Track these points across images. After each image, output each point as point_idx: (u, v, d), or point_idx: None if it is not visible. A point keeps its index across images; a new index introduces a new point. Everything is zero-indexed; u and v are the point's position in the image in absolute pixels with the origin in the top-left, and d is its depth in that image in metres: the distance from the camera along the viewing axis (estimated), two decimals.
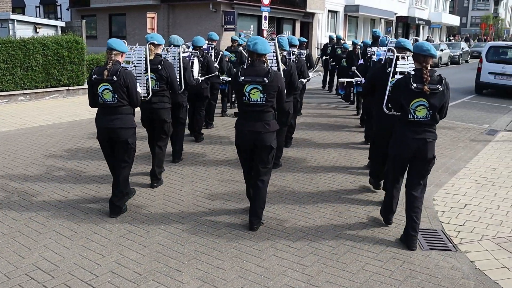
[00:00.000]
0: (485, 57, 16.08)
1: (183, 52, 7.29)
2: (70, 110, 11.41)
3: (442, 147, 8.33)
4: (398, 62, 5.11)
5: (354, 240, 4.57)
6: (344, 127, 10.15)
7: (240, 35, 14.35)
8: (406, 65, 5.03)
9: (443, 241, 4.59)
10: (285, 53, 6.39)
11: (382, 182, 5.81)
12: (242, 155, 4.85)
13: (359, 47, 12.37)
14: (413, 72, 4.36)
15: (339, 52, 14.09)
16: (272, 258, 4.21)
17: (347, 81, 10.71)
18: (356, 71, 8.66)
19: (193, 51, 7.90)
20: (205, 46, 8.44)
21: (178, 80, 6.24)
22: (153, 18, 19.29)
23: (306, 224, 4.96)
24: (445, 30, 58.37)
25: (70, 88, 13.44)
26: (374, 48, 7.98)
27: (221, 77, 9.55)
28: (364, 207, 5.45)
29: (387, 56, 5.62)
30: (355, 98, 12.00)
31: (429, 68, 4.27)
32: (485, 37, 59.45)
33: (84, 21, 14.56)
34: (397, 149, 4.49)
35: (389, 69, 5.21)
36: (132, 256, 4.21)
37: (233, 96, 11.26)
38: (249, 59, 4.68)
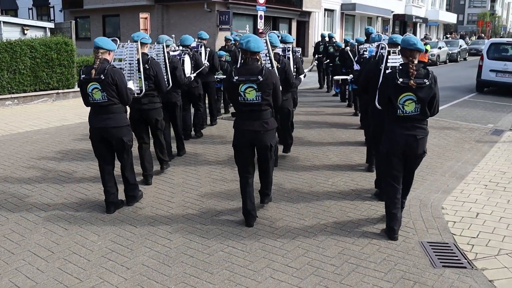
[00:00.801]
0: (486, 54, 15.66)
1: (174, 51, 7.30)
2: (59, 115, 10.98)
3: (447, 149, 7.92)
4: (389, 57, 5.13)
5: (359, 257, 4.15)
6: (341, 126, 9.87)
7: (232, 34, 14.10)
8: (398, 59, 4.96)
9: (457, 256, 4.18)
10: (278, 50, 6.25)
11: None
12: (240, 155, 4.71)
13: (350, 44, 12.14)
14: (400, 67, 4.35)
15: (331, 50, 14.08)
16: (269, 281, 3.78)
17: (342, 79, 10.58)
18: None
19: (184, 49, 7.78)
20: (193, 44, 8.34)
21: (166, 78, 6.23)
22: (146, 18, 18.87)
23: (306, 239, 4.53)
24: (442, 28, 58.11)
25: (59, 91, 13.02)
26: (367, 45, 7.86)
27: (216, 76, 9.43)
28: (368, 218, 5.03)
29: (380, 53, 5.66)
30: (350, 96, 11.95)
31: (415, 62, 4.25)
32: (482, 34, 59.17)
33: (73, 22, 14.11)
34: (388, 145, 4.44)
35: (382, 65, 5.21)
36: (113, 281, 3.78)
37: None
38: (242, 57, 4.58)
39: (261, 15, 21.81)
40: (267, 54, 5.29)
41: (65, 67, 13.00)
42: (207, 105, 9.41)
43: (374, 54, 6.42)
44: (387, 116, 4.48)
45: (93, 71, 4.68)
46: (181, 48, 7.81)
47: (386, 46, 5.40)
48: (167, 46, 6.81)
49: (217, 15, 23.72)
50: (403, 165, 4.47)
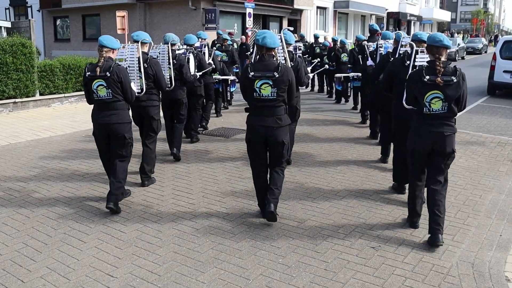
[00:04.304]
0: (499, 53, 14.11)
1: (178, 50, 7.27)
2: (10, 130, 9.24)
3: (481, 174, 6.33)
4: (417, 56, 5.08)
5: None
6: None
7: (219, 34, 13.55)
8: (426, 58, 4.75)
9: None
10: (291, 48, 6.21)
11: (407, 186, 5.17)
12: (253, 151, 4.62)
13: (345, 42, 12.60)
14: (426, 65, 4.24)
15: (318, 50, 14.08)
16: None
17: (344, 76, 10.62)
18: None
19: (188, 47, 7.78)
20: (197, 44, 8.31)
21: (168, 77, 6.36)
22: (123, 17, 17.34)
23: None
24: (436, 26, 56.83)
25: (17, 100, 11.26)
26: (381, 41, 7.75)
27: (214, 76, 9.37)
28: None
29: (404, 50, 5.68)
30: (352, 93, 11.83)
31: (442, 59, 4.13)
32: (477, 33, 58.05)
33: (32, 20, 12.34)
34: (414, 143, 4.34)
35: (407, 62, 5.23)
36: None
37: (227, 95, 11.22)
38: (258, 53, 4.52)
39: (249, 13, 20.30)
40: (281, 51, 5.31)
41: (23, 72, 11.23)
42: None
43: (390, 50, 6.58)
44: (414, 113, 4.37)
45: (98, 69, 4.73)
46: (185, 47, 7.79)
47: (414, 44, 5.25)
48: (173, 44, 6.79)
49: (203, 13, 22.10)
50: (428, 163, 4.35)
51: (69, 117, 10.51)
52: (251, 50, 18.27)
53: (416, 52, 5.11)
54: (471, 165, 6.77)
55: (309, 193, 5.53)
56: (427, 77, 4.09)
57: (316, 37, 15.27)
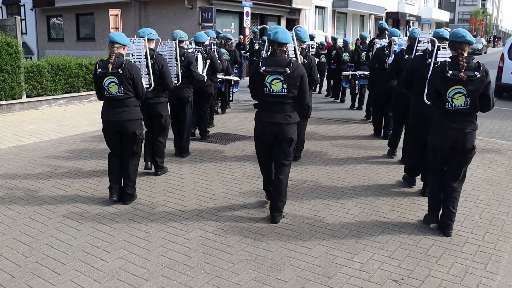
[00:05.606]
0: (507, 54, 13.58)
1: (188, 48, 7.20)
2: None
3: (502, 187, 5.77)
4: (439, 52, 5.08)
5: None
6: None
7: (218, 33, 13.21)
8: (447, 54, 4.80)
9: None
10: (304, 45, 6.26)
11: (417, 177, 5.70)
12: (261, 147, 4.64)
13: (342, 42, 12.76)
14: (449, 60, 4.20)
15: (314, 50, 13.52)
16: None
17: (351, 74, 10.69)
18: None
19: (197, 47, 7.69)
20: (207, 42, 8.24)
21: (175, 74, 6.42)
22: (117, 15, 16.71)
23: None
24: (434, 26, 56.41)
25: (2, 103, 10.63)
26: (396, 39, 7.69)
27: (218, 76, 9.21)
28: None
29: (425, 48, 5.65)
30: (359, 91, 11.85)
31: (465, 54, 4.11)
32: (475, 33, 57.66)
33: (18, 18, 11.69)
34: (435, 139, 4.34)
35: (429, 60, 5.18)
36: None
37: (230, 95, 11.06)
38: (270, 49, 4.54)
39: (247, 12, 19.73)
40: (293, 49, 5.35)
41: (9, 73, 10.59)
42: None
43: (404, 47, 6.56)
44: (437, 109, 4.37)
45: (110, 66, 4.70)
46: (194, 45, 7.70)
47: (436, 40, 5.19)
48: (182, 41, 6.74)
49: (199, 12, 21.49)
50: (448, 160, 4.34)
51: (57, 121, 9.90)
52: (248, 49, 17.85)
53: (438, 48, 5.08)
54: (490, 176, 6.21)
55: (320, 217, 4.94)
56: (450, 72, 4.08)
57: (312, 37, 14.89)
